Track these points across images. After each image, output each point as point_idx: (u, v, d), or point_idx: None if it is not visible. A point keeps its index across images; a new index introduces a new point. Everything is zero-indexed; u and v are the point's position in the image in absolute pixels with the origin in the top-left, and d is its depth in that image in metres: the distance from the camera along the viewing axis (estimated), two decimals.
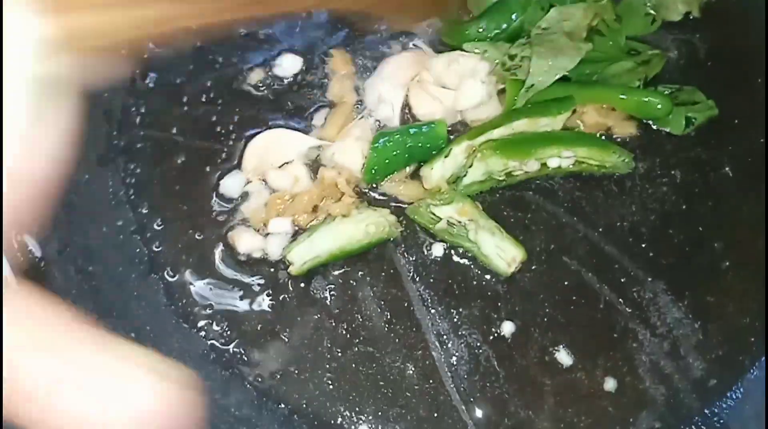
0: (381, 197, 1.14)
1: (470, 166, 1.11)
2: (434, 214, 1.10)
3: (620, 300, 1.11)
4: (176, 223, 1.12)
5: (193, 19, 0.50)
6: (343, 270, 1.11)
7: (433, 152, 1.14)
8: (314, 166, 1.15)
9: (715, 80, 1.22)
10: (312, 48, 1.22)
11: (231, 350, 1.07)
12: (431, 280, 1.11)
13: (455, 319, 1.09)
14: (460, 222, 1.10)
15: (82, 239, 1.03)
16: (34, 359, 0.40)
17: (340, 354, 1.07)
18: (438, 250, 1.12)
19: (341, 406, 1.06)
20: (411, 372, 1.07)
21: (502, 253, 1.10)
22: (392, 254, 1.11)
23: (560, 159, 1.12)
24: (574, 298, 1.11)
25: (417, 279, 1.11)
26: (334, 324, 1.08)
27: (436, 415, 1.06)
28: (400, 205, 1.14)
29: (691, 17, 1.25)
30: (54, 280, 0.94)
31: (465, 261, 1.12)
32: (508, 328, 1.09)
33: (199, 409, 0.43)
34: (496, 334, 1.09)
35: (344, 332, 1.08)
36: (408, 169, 1.14)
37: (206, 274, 1.10)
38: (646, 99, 1.16)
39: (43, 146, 0.43)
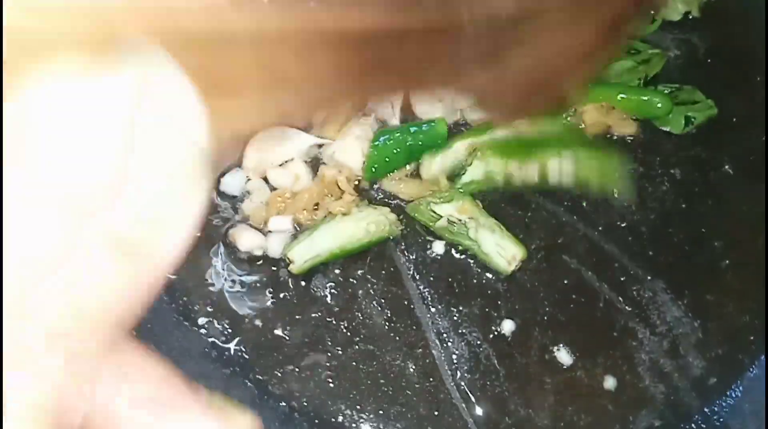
0: (381, 195, 1.14)
1: (470, 165, 1.11)
2: (434, 212, 1.10)
3: (620, 299, 1.11)
4: None
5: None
6: (343, 268, 1.11)
7: (438, 148, 1.14)
8: (315, 164, 1.15)
9: (715, 79, 1.22)
10: None
11: (232, 348, 1.07)
12: (431, 279, 1.11)
13: (455, 318, 1.09)
14: (460, 220, 1.10)
15: None
16: (133, 411, 0.40)
17: (340, 352, 1.07)
18: (438, 248, 1.12)
19: (342, 404, 1.06)
20: (411, 370, 1.07)
21: (502, 251, 1.10)
22: (392, 252, 1.12)
23: (560, 163, 1.12)
24: (573, 296, 1.11)
25: (417, 277, 1.11)
26: (334, 322, 1.08)
27: (436, 413, 1.06)
28: (400, 203, 1.14)
29: (691, 17, 1.25)
30: None
31: (465, 259, 1.12)
32: (508, 326, 1.09)
33: None
34: (496, 333, 1.09)
35: (344, 330, 1.08)
36: (408, 167, 1.15)
37: (207, 272, 1.10)
38: (646, 98, 1.17)
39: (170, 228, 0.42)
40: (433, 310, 1.09)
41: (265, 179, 1.13)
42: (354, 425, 1.05)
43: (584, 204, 1.15)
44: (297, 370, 1.06)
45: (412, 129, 1.13)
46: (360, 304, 1.09)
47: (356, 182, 1.14)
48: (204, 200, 0.42)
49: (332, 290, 1.10)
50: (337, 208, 1.10)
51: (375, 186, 1.14)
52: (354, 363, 1.07)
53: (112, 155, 0.37)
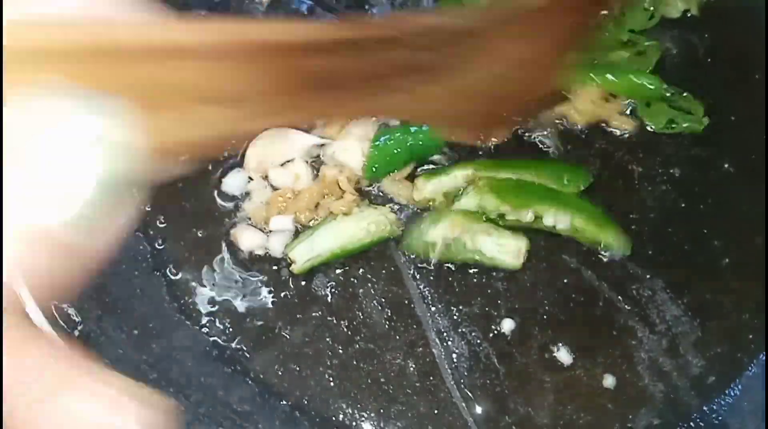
0: (382, 195, 1.15)
1: (466, 194, 1.12)
2: (427, 241, 1.10)
3: (619, 298, 1.11)
4: (179, 220, 1.13)
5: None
6: (343, 268, 1.11)
7: (434, 150, 1.15)
8: (316, 164, 1.15)
9: (714, 79, 1.22)
10: None
11: (233, 347, 1.08)
12: (431, 278, 1.11)
13: (455, 317, 1.10)
14: (454, 239, 1.10)
15: None
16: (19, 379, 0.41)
17: (341, 351, 1.08)
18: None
19: (342, 403, 1.06)
20: (411, 369, 1.08)
21: (505, 248, 1.10)
22: (393, 252, 1.12)
23: (555, 219, 1.12)
24: (573, 295, 1.12)
25: (417, 276, 1.11)
26: (335, 321, 1.09)
27: (436, 411, 1.06)
28: (400, 203, 1.14)
29: (690, 15, 1.25)
30: None
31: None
32: (507, 325, 1.10)
33: None
34: (496, 332, 1.09)
35: (345, 329, 1.09)
36: (408, 169, 1.15)
37: (209, 271, 1.11)
38: (637, 79, 1.18)
39: (97, 231, 0.44)
40: (433, 309, 1.10)
41: (267, 179, 1.14)
42: (354, 424, 1.06)
43: None
44: (298, 368, 1.07)
45: (413, 129, 1.14)
46: (360, 303, 1.10)
47: (357, 182, 1.14)
48: (131, 212, 0.43)
49: (333, 289, 1.10)
50: (338, 207, 1.11)
51: (375, 186, 1.15)
52: (354, 362, 1.08)
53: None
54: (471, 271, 1.12)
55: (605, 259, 1.13)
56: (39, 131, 0.40)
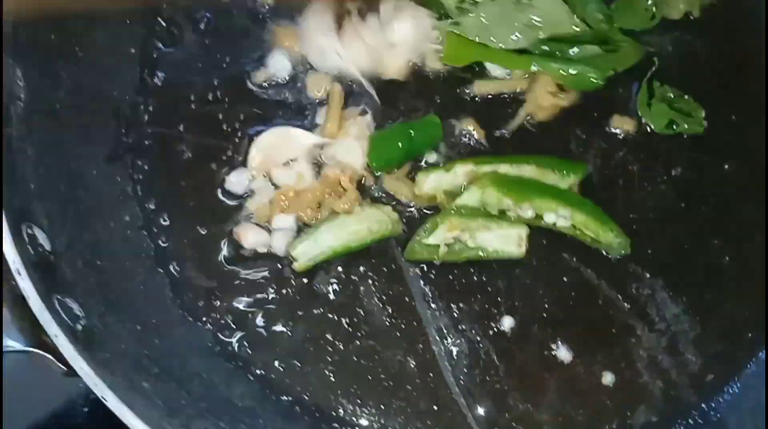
0: (383, 194, 1.16)
1: (467, 190, 1.12)
2: (429, 245, 1.11)
3: (619, 296, 1.12)
4: (182, 218, 1.14)
5: None
6: (345, 265, 1.12)
7: (434, 142, 1.17)
8: (318, 163, 1.16)
9: (715, 80, 1.22)
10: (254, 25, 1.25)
11: (235, 343, 1.09)
12: (432, 276, 1.12)
13: (455, 314, 1.10)
14: (455, 238, 1.11)
15: (90, 234, 1.05)
16: None
17: (342, 348, 1.09)
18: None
19: (343, 399, 1.07)
20: (412, 366, 1.08)
21: (506, 239, 1.11)
22: (394, 250, 1.13)
23: (556, 216, 1.12)
24: (573, 293, 1.12)
25: (418, 274, 1.12)
26: (336, 318, 1.10)
27: (436, 408, 1.07)
28: (402, 202, 1.15)
29: (692, 17, 1.26)
30: (63, 273, 0.96)
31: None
32: (507, 323, 1.10)
33: None
34: (496, 329, 1.10)
35: (346, 326, 1.10)
36: (408, 166, 1.16)
37: (212, 268, 1.12)
38: (580, 70, 1.20)
39: None
40: (433, 306, 1.11)
41: (269, 178, 1.15)
42: (355, 419, 1.07)
43: None
44: (299, 365, 1.08)
45: (411, 125, 1.16)
46: (361, 300, 1.11)
47: (359, 181, 1.15)
48: None
49: (334, 287, 1.11)
50: (340, 206, 1.12)
51: (377, 185, 1.16)
52: (355, 358, 1.08)
53: None
54: (471, 269, 1.12)
55: (605, 258, 1.13)
56: None
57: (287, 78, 1.21)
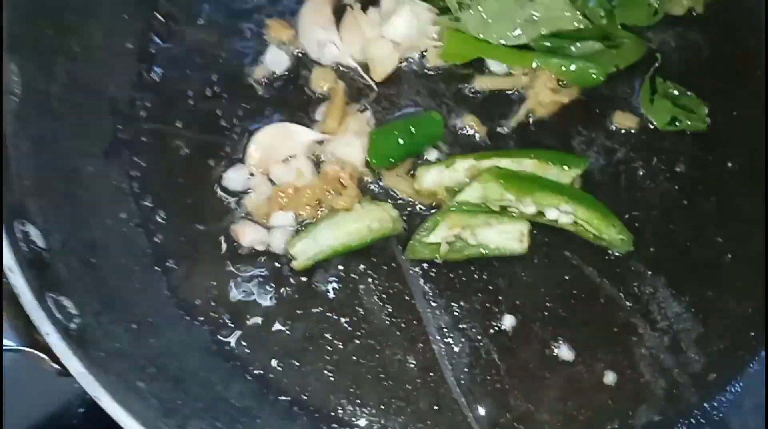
0: (383, 192, 1.15)
1: (469, 185, 1.11)
2: (430, 243, 1.10)
3: (621, 294, 1.11)
4: (180, 215, 1.13)
5: None
6: (345, 263, 1.11)
7: (434, 138, 1.16)
8: (318, 160, 1.15)
9: (717, 77, 1.22)
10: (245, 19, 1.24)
11: (233, 342, 1.08)
12: (432, 274, 1.11)
13: (456, 313, 1.10)
14: (455, 236, 1.10)
15: (85, 231, 1.04)
16: None
17: (341, 347, 1.08)
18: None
19: (342, 399, 1.06)
20: (412, 365, 1.08)
21: (508, 235, 1.10)
22: (394, 248, 1.12)
23: (558, 212, 1.11)
24: (574, 292, 1.11)
25: (418, 272, 1.11)
26: (335, 317, 1.09)
27: (436, 407, 1.06)
28: (402, 199, 1.14)
29: (695, 14, 1.25)
30: (57, 271, 0.95)
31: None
32: (508, 321, 1.10)
33: None
34: (496, 328, 1.09)
35: (345, 325, 1.09)
36: (409, 162, 1.16)
37: (209, 266, 1.11)
38: (581, 66, 1.19)
39: None
40: (433, 305, 1.10)
41: (268, 175, 1.14)
42: (354, 419, 1.06)
43: None
44: (298, 364, 1.07)
45: (411, 122, 1.15)
46: (361, 299, 1.10)
47: (358, 178, 1.14)
48: None
49: (334, 285, 1.10)
50: (340, 203, 1.11)
51: (377, 182, 1.15)
52: (355, 357, 1.08)
53: None
54: (472, 267, 1.11)
55: (607, 256, 1.12)
56: None
57: (286, 73, 1.20)
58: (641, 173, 1.17)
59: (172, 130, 1.17)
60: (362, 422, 1.06)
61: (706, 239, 1.14)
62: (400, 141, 1.13)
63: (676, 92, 1.20)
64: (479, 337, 1.09)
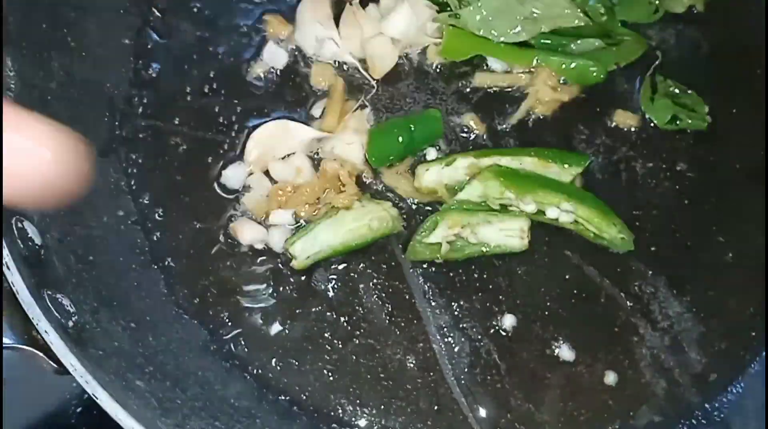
0: (383, 190, 1.14)
1: (469, 184, 1.11)
2: (431, 243, 1.10)
3: (621, 294, 1.11)
4: (177, 213, 1.12)
5: None
6: (344, 262, 1.11)
7: (434, 136, 1.16)
8: (317, 157, 1.15)
9: (718, 75, 1.22)
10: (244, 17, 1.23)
11: (231, 341, 1.07)
12: (432, 273, 1.10)
13: (456, 312, 1.09)
14: (456, 235, 1.09)
15: (82, 228, 1.03)
16: None
17: (340, 346, 1.07)
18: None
19: (342, 399, 1.06)
20: (411, 365, 1.07)
21: (508, 233, 1.09)
22: (394, 247, 1.11)
23: (559, 211, 1.11)
24: (575, 291, 1.11)
25: (418, 271, 1.10)
26: (335, 316, 1.08)
27: (436, 407, 1.06)
28: (402, 197, 1.14)
29: (695, 11, 1.24)
30: (54, 268, 0.94)
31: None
32: (509, 321, 1.09)
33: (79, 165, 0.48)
34: (496, 328, 1.09)
35: (345, 324, 1.08)
36: (409, 161, 1.15)
37: (207, 265, 1.10)
38: (581, 63, 1.18)
39: None
40: (433, 304, 1.09)
41: (267, 172, 1.13)
42: (354, 419, 1.05)
43: None
44: (297, 363, 1.06)
45: (410, 120, 1.15)
46: (361, 298, 1.09)
47: (358, 176, 1.13)
48: None
49: (333, 284, 1.10)
50: (339, 201, 1.10)
51: (377, 180, 1.14)
52: (354, 357, 1.07)
53: None
54: (472, 266, 1.11)
55: (607, 255, 1.12)
56: None
57: (284, 70, 1.19)
58: (642, 172, 1.17)
59: (170, 127, 1.16)
60: (362, 422, 1.05)
61: (707, 239, 1.14)
62: (400, 139, 1.12)
63: (676, 91, 1.19)
64: (479, 337, 1.08)
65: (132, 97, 1.17)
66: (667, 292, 1.11)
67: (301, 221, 1.11)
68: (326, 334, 1.07)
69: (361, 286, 1.10)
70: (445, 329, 1.08)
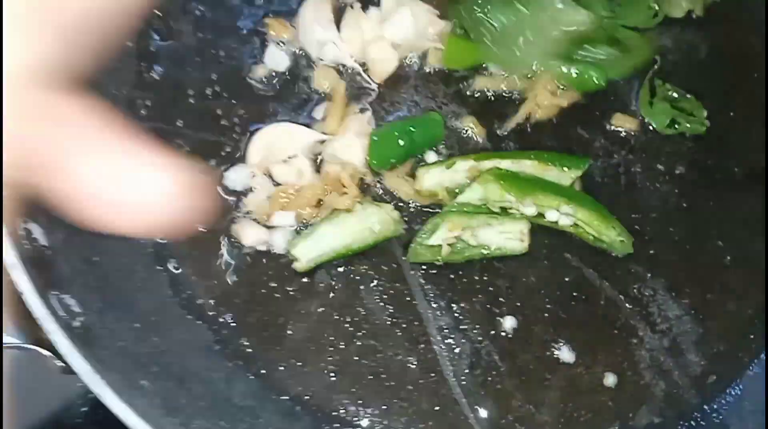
0: (384, 193, 1.15)
1: (469, 186, 1.11)
2: (431, 246, 1.10)
3: (621, 296, 1.11)
4: None
5: None
6: (346, 264, 1.11)
7: (436, 140, 1.16)
8: (319, 160, 1.15)
9: (716, 79, 1.22)
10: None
11: (235, 342, 1.08)
12: (433, 275, 1.11)
13: (457, 314, 1.10)
14: (456, 238, 1.10)
15: (87, 229, 1.03)
16: (46, 132, 0.43)
17: (343, 347, 1.08)
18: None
19: (344, 399, 1.06)
20: (413, 366, 1.07)
21: (509, 235, 1.10)
22: (395, 249, 1.12)
23: (559, 214, 1.11)
24: (575, 294, 1.11)
25: (419, 273, 1.11)
26: (337, 317, 1.09)
27: (437, 408, 1.06)
28: (403, 199, 1.14)
29: (694, 16, 1.25)
30: (59, 269, 0.94)
31: None
32: (509, 323, 1.10)
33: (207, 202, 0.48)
34: (497, 329, 1.09)
35: (347, 325, 1.08)
36: (410, 163, 1.15)
37: (211, 266, 1.10)
38: (582, 70, 1.19)
39: None
40: (434, 306, 1.10)
41: (269, 175, 1.14)
42: (356, 420, 1.06)
43: None
44: (300, 364, 1.07)
45: (412, 122, 1.15)
46: (362, 299, 1.10)
47: (359, 179, 1.14)
48: None
49: (335, 286, 1.10)
50: (341, 203, 1.10)
51: (378, 182, 1.14)
52: (356, 358, 1.07)
53: None
54: (473, 268, 1.11)
55: (607, 258, 1.13)
56: None
57: (286, 72, 1.20)
58: (641, 175, 1.17)
59: (173, 129, 1.16)
60: (364, 422, 1.06)
61: (706, 241, 1.15)
62: (400, 142, 1.13)
63: (675, 95, 1.20)
64: (480, 339, 1.09)
65: (135, 100, 1.17)
66: (666, 294, 1.12)
67: (303, 223, 1.11)
68: (328, 335, 1.08)
69: (363, 287, 1.10)
70: (446, 330, 1.09)
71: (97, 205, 0.45)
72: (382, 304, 1.09)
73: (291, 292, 1.09)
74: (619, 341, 1.10)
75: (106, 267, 1.02)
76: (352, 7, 1.21)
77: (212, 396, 1.01)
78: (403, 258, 1.11)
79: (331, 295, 1.09)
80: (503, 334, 1.09)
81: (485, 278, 1.11)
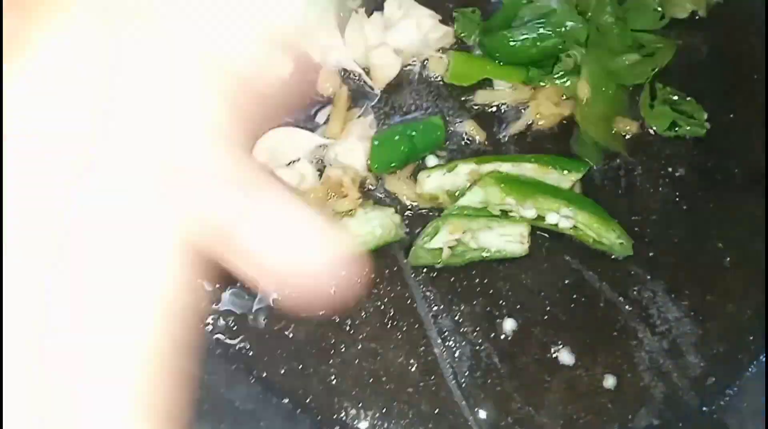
0: (386, 197, 1.15)
1: (469, 190, 1.12)
2: (432, 249, 1.11)
3: (620, 299, 1.12)
4: None
5: None
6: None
7: (437, 144, 1.17)
8: (321, 164, 1.16)
9: (717, 82, 1.23)
10: None
11: (236, 345, 1.09)
12: (433, 278, 1.12)
13: (457, 317, 1.10)
14: (457, 240, 1.11)
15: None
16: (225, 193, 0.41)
17: (343, 350, 1.09)
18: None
19: (344, 402, 1.07)
20: (413, 368, 1.08)
21: (509, 238, 1.11)
22: (395, 252, 1.13)
23: (558, 217, 1.12)
24: (575, 296, 1.12)
25: (419, 276, 1.12)
26: (337, 320, 1.10)
27: (437, 411, 1.07)
28: (404, 203, 1.15)
29: (697, 17, 1.25)
30: None
31: None
32: (509, 325, 1.10)
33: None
34: (497, 332, 1.10)
35: (347, 328, 1.09)
36: (411, 167, 1.16)
37: (212, 270, 1.10)
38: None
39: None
40: (434, 308, 1.10)
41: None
42: (356, 422, 1.07)
43: None
44: (300, 367, 1.08)
45: (412, 127, 1.16)
46: (363, 302, 1.10)
47: (361, 183, 1.15)
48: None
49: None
50: (343, 207, 1.11)
51: (380, 186, 1.15)
52: (357, 361, 1.08)
53: None
54: (473, 271, 1.12)
55: (607, 260, 1.13)
56: None
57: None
58: (641, 178, 1.18)
59: None
60: (365, 425, 1.07)
61: (705, 244, 1.15)
62: (402, 146, 1.14)
63: (675, 97, 1.20)
64: (480, 341, 1.09)
65: None
66: (666, 296, 1.12)
67: None
68: (329, 338, 1.09)
69: (363, 290, 1.11)
70: (446, 333, 1.10)
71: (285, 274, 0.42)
72: (382, 307, 1.10)
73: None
74: (619, 343, 1.10)
75: None
76: (356, 12, 1.22)
77: (213, 399, 1.03)
78: (404, 261, 1.12)
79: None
80: (503, 336, 1.10)
81: (485, 281, 1.12)
